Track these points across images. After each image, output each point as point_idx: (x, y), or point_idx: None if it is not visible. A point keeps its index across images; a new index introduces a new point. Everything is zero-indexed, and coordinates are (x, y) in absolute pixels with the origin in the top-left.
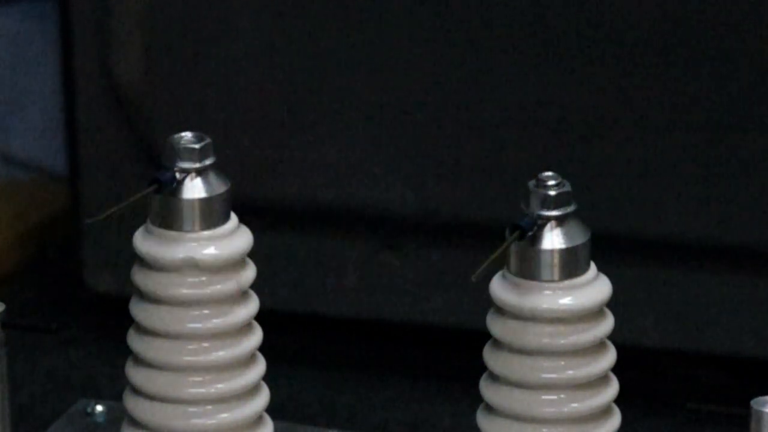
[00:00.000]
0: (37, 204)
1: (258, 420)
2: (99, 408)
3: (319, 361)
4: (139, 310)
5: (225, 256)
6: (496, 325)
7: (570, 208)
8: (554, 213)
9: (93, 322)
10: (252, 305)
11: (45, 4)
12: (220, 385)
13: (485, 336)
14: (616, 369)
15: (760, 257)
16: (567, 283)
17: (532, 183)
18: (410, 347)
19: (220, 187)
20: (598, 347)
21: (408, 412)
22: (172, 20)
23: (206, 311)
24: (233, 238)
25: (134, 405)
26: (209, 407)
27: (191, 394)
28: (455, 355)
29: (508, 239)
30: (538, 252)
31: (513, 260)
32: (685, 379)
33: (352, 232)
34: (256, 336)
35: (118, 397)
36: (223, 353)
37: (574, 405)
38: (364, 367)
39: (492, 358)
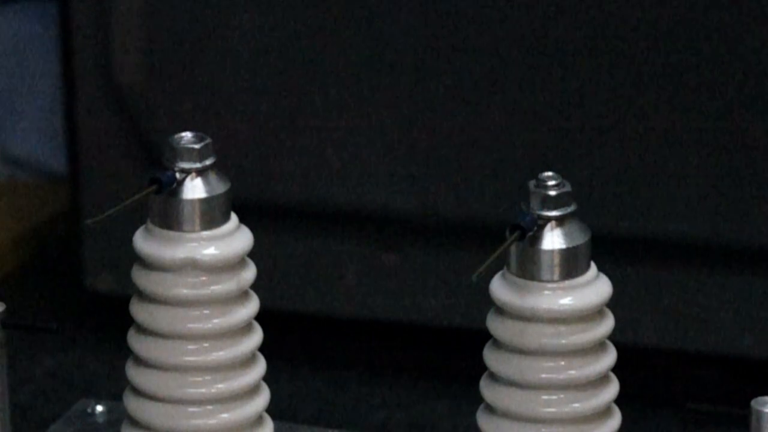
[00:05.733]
0: (37, 204)
1: (258, 420)
2: (99, 408)
3: (319, 361)
4: (139, 310)
5: (225, 256)
6: (496, 325)
7: (570, 208)
8: (554, 213)
9: (93, 322)
10: (252, 305)
11: (45, 4)
12: (220, 385)
13: (485, 336)
14: (616, 369)
15: (760, 257)
16: (567, 283)
17: (532, 183)
18: (410, 347)
19: (220, 187)
20: (598, 347)
21: (408, 412)
22: (172, 20)
23: (206, 311)
24: (233, 238)
25: (134, 405)
26: (209, 407)
27: (191, 394)
28: (455, 355)
29: (508, 239)
30: (538, 252)
31: (513, 260)
32: (685, 379)
33: (352, 232)
34: (256, 336)
35: (118, 397)
36: (223, 353)
37: (574, 405)
38: (364, 367)
39: (492, 358)
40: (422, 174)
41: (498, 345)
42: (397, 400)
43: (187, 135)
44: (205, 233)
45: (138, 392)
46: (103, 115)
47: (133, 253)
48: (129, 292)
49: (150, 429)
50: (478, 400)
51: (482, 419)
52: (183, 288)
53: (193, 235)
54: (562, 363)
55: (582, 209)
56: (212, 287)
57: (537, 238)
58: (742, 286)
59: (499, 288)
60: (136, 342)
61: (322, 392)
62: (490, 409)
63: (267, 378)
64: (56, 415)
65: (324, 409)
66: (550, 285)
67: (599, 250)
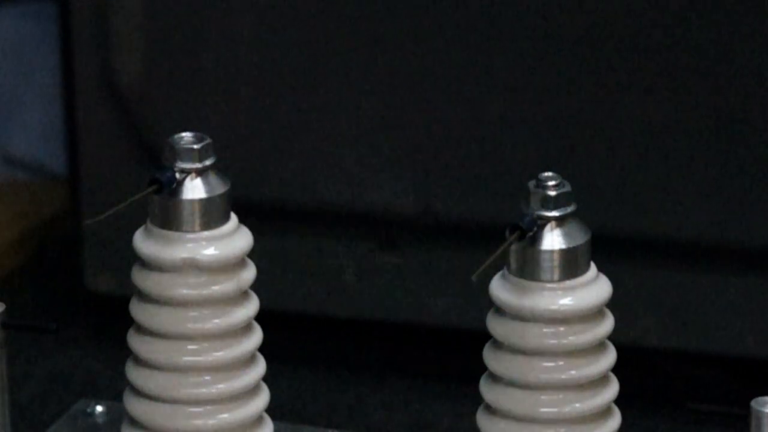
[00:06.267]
0: (37, 204)
1: (258, 420)
2: (99, 408)
3: (319, 361)
4: (139, 311)
5: (225, 256)
6: (496, 325)
7: (570, 209)
8: (554, 213)
9: (93, 322)
10: (252, 305)
11: (45, 5)
12: (220, 385)
13: (485, 336)
14: (616, 369)
15: (760, 257)
16: (567, 283)
17: (532, 183)
18: (410, 347)
19: (220, 187)
20: (598, 347)
21: (408, 412)
22: (172, 20)
23: (206, 311)
24: (233, 238)
25: (134, 405)
26: (209, 407)
27: (191, 394)
28: (455, 355)
29: (508, 239)
30: (538, 252)
31: (513, 260)
32: (685, 379)
33: (352, 232)
34: (256, 336)
35: (118, 397)
36: (223, 353)
37: (574, 405)
38: (364, 367)
39: (492, 358)
40: (422, 174)
41: (498, 345)
42: (397, 400)
43: (187, 135)
44: (205, 233)
45: (138, 392)
46: (103, 115)
47: (133, 253)
48: (129, 292)
49: (150, 429)
50: (478, 400)
51: (482, 419)
52: (183, 288)
53: (193, 236)
54: (562, 363)
55: (582, 209)
56: (212, 287)
57: (537, 238)
58: (742, 286)
59: (499, 288)
60: (136, 342)
61: (322, 392)
62: (490, 409)
63: (267, 378)
64: (56, 415)
65: (324, 409)
66: (550, 285)
67: (599, 250)
